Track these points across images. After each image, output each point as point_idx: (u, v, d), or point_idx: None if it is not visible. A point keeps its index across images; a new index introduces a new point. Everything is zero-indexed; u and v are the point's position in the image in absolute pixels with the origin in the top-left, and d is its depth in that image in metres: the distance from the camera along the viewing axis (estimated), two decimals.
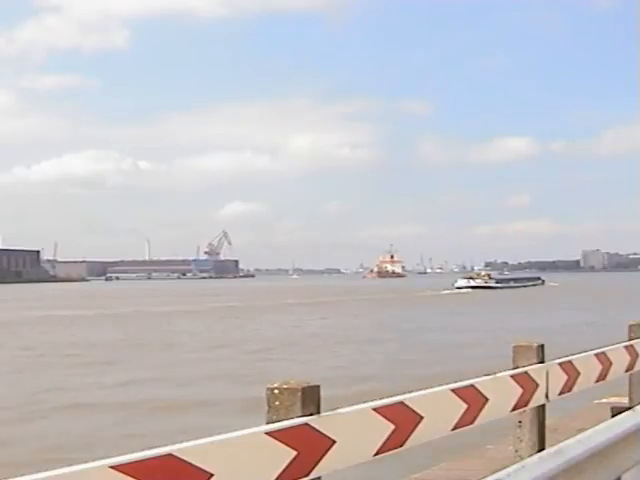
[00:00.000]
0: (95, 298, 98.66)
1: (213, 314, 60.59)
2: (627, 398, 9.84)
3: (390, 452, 4.86)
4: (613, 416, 5.93)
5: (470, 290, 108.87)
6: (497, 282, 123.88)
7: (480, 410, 5.79)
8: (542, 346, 7.03)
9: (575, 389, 7.48)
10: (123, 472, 3.32)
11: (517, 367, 6.81)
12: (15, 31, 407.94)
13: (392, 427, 4.83)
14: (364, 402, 4.82)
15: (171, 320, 54.55)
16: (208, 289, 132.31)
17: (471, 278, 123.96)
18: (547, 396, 6.95)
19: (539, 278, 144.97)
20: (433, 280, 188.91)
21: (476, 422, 5.76)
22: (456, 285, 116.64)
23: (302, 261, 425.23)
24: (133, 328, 47.89)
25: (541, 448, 6.85)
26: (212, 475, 3.70)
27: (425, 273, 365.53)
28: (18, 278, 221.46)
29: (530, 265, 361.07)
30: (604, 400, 11.68)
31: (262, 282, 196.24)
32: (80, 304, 79.13)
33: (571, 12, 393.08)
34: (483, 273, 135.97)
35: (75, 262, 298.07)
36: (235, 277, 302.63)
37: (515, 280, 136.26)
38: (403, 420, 4.94)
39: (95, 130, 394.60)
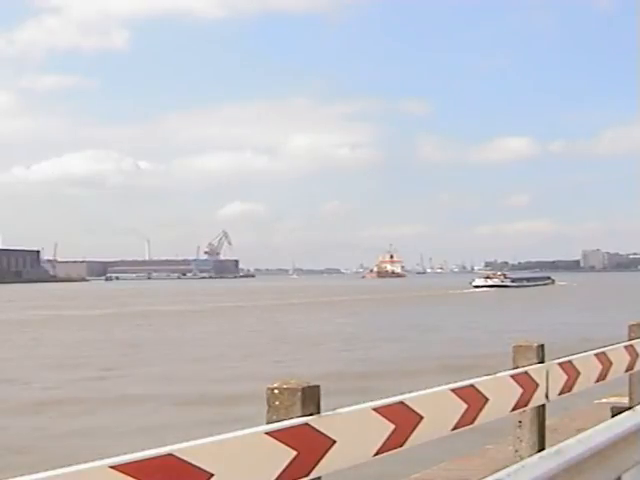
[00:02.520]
0: (118, 297, 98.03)
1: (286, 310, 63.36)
2: (627, 398, 9.84)
3: (390, 452, 4.86)
4: (613, 416, 5.93)
5: (488, 289, 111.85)
6: (512, 281, 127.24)
7: (480, 410, 5.79)
8: (542, 346, 7.03)
9: (575, 389, 7.48)
10: (123, 472, 3.32)
11: (517, 367, 6.81)
12: (15, 32, 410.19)
13: (392, 427, 4.83)
14: (364, 402, 4.83)
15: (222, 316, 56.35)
16: (234, 288, 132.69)
17: (488, 277, 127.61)
18: (547, 396, 6.95)
19: (549, 277, 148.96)
20: (437, 280, 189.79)
21: (476, 422, 5.76)
22: (474, 284, 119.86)
23: (302, 261, 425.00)
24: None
25: (541, 448, 6.85)
26: (212, 475, 3.70)
27: (424, 273, 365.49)
28: (18, 278, 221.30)
29: (530, 265, 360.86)
30: (604, 400, 11.67)
31: (264, 282, 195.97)
32: (103, 304, 79.51)
33: (570, 13, 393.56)
34: (499, 273, 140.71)
35: (75, 262, 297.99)
36: (235, 277, 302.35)
37: (528, 279, 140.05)
38: (403, 420, 4.94)
39: (95, 130, 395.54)
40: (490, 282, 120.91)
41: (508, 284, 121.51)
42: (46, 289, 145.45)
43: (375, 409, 4.76)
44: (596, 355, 8.00)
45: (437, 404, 5.36)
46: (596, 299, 75.49)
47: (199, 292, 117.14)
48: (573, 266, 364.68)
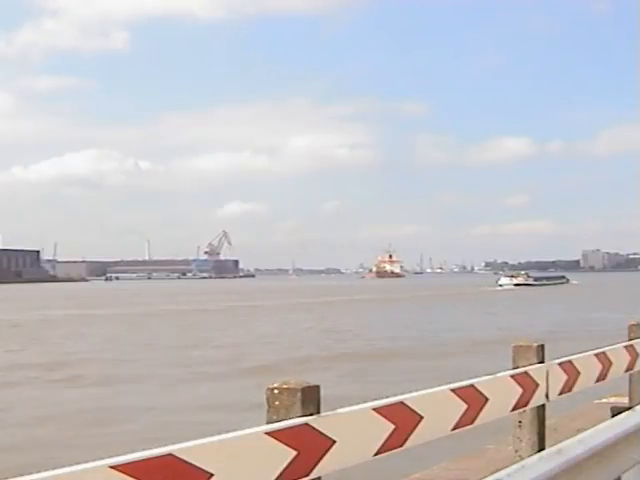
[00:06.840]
0: (137, 297, 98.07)
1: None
2: (627, 398, 9.84)
3: (390, 452, 4.86)
4: (613, 416, 5.92)
5: (514, 287, 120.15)
6: (534, 280, 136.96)
7: (480, 410, 5.78)
8: (542, 346, 7.02)
9: (575, 389, 7.47)
10: (123, 472, 3.32)
11: (517, 367, 6.81)
12: (15, 33, 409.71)
13: (392, 427, 4.82)
14: (364, 402, 4.82)
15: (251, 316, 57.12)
16: (234, 289, 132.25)
17: (513, 277, 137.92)
18: (547, 396, 6.94)
19: (564, 277, 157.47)
20: (440, 280, 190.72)
21: (476, 422, 5.75)
22: (499, 283, 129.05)
23: (302, 261, 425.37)
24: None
25: (541, 448, 6.85)
26: (212, 475, 3.70)
27: (421, 273, 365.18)
28: (18, 278, 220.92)
29: (530, 265, 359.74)
30: (604, 400, 11.67)
31: (267, 282, 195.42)
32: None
33: (569, 13, 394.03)
34: (522, 273, 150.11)
35: (75, 262, 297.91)
36: (235, 277, 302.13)
37: (547, 279, 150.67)
38: (403, 420, 4.93)
39: (95, 130, 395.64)
40: (515, 281, 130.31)
41: (531, 282, 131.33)
42: (51, 289, 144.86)
43: (375, 409, 4.75)
44: (596, 355, 8.00)
45: (437, 404, 5.35)
46: (622, 295, 76.01)
47: (203, 292, 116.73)
48: (573, 266, 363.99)
